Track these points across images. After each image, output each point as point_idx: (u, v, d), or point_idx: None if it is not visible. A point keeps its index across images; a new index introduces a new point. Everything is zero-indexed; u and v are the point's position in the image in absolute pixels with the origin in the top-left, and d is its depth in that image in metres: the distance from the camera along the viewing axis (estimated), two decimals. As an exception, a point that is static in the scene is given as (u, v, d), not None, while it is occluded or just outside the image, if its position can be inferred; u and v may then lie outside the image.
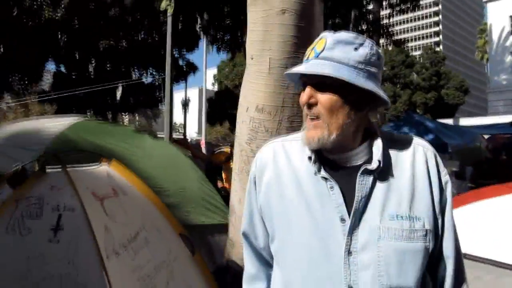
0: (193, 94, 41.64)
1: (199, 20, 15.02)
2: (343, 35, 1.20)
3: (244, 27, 3.36)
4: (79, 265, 2.40)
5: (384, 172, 1.21)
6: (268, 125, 3.22)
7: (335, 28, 16.85)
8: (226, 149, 15.10)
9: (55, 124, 5.84)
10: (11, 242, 2.50)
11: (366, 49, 1.19)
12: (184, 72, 22.72)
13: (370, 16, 17.75)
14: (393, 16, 20.29)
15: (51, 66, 20.96)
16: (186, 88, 29.99)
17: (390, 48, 47.70)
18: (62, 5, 13.30)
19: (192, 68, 23.46)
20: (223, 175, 8.89)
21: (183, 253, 3.00)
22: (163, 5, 4.81)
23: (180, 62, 22.17)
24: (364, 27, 17.67)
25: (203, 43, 23.05)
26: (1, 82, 16.36)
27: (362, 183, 1.19)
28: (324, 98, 1.17)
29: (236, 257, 3.32)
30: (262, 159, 1.33)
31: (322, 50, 1.18)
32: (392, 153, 1.24)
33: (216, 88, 38.36)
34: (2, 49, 13.22)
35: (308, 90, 1.19)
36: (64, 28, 14.67)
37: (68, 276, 2.36)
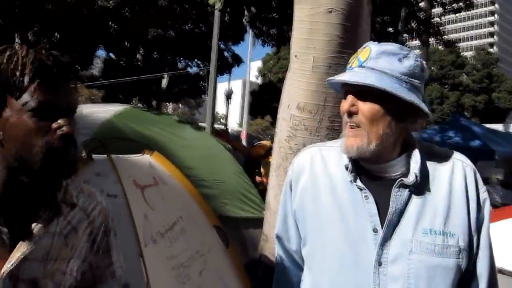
0: (236, 85, 41.95)
1: (246, 13, 15.10)
2: (388, 46, 1.20)
3: (290, 21, 3.37)
4: (119, 249, 2.49)
5: (420, 186, 1.20)
6: (308, 124, 3.23)
7: (383, 25, 16.50)
8: (266, 142, 15.11)
9: (102, 110, 6.06)
10: (57, 223, 2.63)
11: (410, 60, 1.19)
12: (228, 63, 22.91)
13: (421, 15, 17.24)
14: (444, 14, 19.64)
15: (101, 53, 21.67)
16: (230, 79, 30.26)
17: (440, 47, 46.23)
18: (115, -6, 13.76)
19: (237, 60, 23.61)
20: (262, 169, 8.93)
21: (217, 244, 3.07)
22: (211, 0, 4.87)
23: (226, 54, 22.37)
24: (414, 25, 17.20)
25: (248, 36, 23.17)
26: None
27: (397, 196, 1.19)
28: (366, 107, 1.17)
29: (268, 252, 3.36)
30: (299, 164, 1.36)
31: (366, 60, 1.19)
32: (430, 167, 1.24)
33: (259, 80, 38.47)
34: (56, 35, 13.77)
35: (349, 98, 1.20)
36: (115, 17, 15.11)
37: (107, 259, 2.47)
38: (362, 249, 1.18)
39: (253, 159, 10.32)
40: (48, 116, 1.00)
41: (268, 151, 8.39)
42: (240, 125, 37.84)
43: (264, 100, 30.73)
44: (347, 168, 1.23)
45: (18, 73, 0.98)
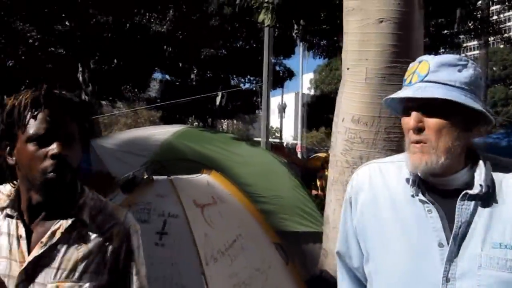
0: (289, 98, 42.01)
1: (295, 26, 15.17)
2: (445, 57, 1.18)
3: (340, 32, 3.35)
4: (181, 268, 2.56)
5: (486, 198, 1.15)
6: (364, 136, 3.18)
7: (439, 28, 15.97)
8: (322, 155, 14.97)
9: (161, 132, 6.28)
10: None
11: (470, 70, 1.16)
12: (281, 77, 23.04)
13: (478, 14, 16.56)
14: (503, 11, 18.73)
15: (157, 75, 22.51)
16: (282, 93, 30.37)
17: (501, 46, 44.05)
18: (168, 18, 14.26)
19: (289, 73, 23.72)
20: (318, 182, 8.85)
21: (277, 261, 3.07)
22: (260, 17, 4.97)
23: (278, 68, 22.53)
24: (471, 25, 16.54)
25: (299, 48, 23.21)
26: (115, 91, 17.93)
27: (462, 208, 1.14)
28: (433, 122, 1.14)
29: (329, 267, 3.32)
30: (358, 180, 1.34)
31: (427, 74, 1.16)
32: (496, 178, 1.18)
33: (312, 92, 38.36)
34: (115, 61, 14.47)
35: (415, 114, 1.16)
36: (169, 40, 15.68)
37: (171, 277, 2.54)
38: (428, 265, 1.14)
39: (310, 172, 10.26)
40: (45, 144, 1.19)
41: (324, 163, 8.32)
42: (295, 138, 37.76)
43: (318, 112, 30.53)
44: (408, 182, 1.20)
45: (21, 112, 1.19)
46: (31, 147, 1.18)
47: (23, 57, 15.86)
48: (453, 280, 1.12)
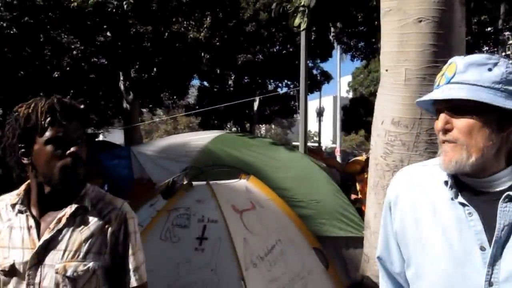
0: (327, 102, 41.68)
1: (332, 29, 15.06)
2: (474, 57, 1.16)
3: (378, 33, 3.29)
4: (220, 273, 2.58)
5: None
6: (404, 139, 3.11)
7: (482, 26, 15.45)
8: (361, 158, 14.73)
9: (200, 138, 6.36)
10: (165, 248, 2.79)
11: (501, 68, 1.14)
12: (318, 81, 22.87)
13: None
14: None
15: (195, 82, 22.85)
16: (320, 97, 30.14)
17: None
18: (205, 26, 14.45)
19: (326, 77, 23.50)
20: (358, 187, 8.70)
21: (317, 266, 3.04)
22: (296, 21, 4.93)
23: (314, 72, 22.38)
24: (516, 22, 15.91)
25: (337, 51, 22.99)
26: (155, 98, 18.32)
27: (504, 210, 1.11)
28: (461, 123, 1.13)
29: (370, 273, 3.25)
30: (397, 185, 1.33)
31: (454, 75, 1.15)
32: None
33: (350, 95, 37.91)
34: (155, 70, 14.80)
35: (443, 116, 1.16)
36: (206, 47, 15.89)
37: (210, 282, 2.55)
38: (469, 269, 1.11)
39: (349, 176, 10.12)
40: (61, 145, 1.39)
41: (363, 167, 8.18)
42: (334, 141, 37.40)
43: (357, 115, 30.11)
44: (447, 184, 1.18)
45: (39, 119, 1.38)
46: (49, 148, 1.38)
47: (67, 68, 16.49)
48: (496, 284, 1.09)
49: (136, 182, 5.71)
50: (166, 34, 13.52)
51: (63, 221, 1.41)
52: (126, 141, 14.04)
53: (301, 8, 5.38)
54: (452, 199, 1.17)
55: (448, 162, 1.15)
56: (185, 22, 14.33)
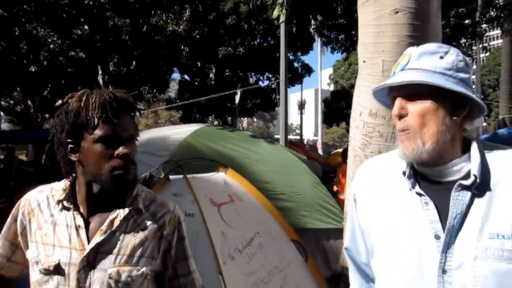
0: (309, 95, 41.79)
1: (312, 22, 15.06)
2: (427, 46, 1.20)
3: (357, 25, 3.30)
4: (199, 267, 2.54)
5: (483, 188, 1.13)
6: (382, 130, 3.12)
7: (459, 18, 15.61)
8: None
9: (179, 131, 6.30)
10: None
11: (452, 56, 1.18)
12: (299, 74, 22.92)
13: (500, 1, 16.11)
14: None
15: (176, 75, 22.66)
16: (302, 89, 30.23)
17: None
18: (184, 18, 14.32)
19: (307, 69, 23.56)
20: (339, 178, 8.77)
21: (296, 258, 3.03)
22: (275, 13, 4.91)
23: (296, 64, 22.41)
24: (493, 14, 16.11)
25: (317, 44, 23.06)
26: (135, 92, 18.11)
27: (457, 199, 1.13)
28: (416, 108, 1.16)
29: (351, 264, 3.27)
30: (361, 177, 1.35)
31: (408, 62, 1.20)
32: (495, 167, 1.16)
33: (332, 88, 38.05)
34: (134, 63, 14.63)
35: (398, 102, 1.19)
36: (186, 40, 15.77)
37: (189, 277, 2.52)
38: (426, 258, 1.14)
39: (331, 168, 10.15)
40: (112, 144, 1.29)
41: (344, 159, 8.23)
42: (316, 134, 37.57)
43: (338, 108, 30.29)
44: (405, 174, 1.21)
45: (90, 115, 1.28)
46: (98, 147, 1.28)
47: (45, 63, 16.18)
48: (449, 271, 1.11)
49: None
50: (145, 27, 13.36)
51: (116, 223, 1.33)
52: (106, 136, 13.85)
53: (280, 0, 5.36)
54: (410, 189, 1.20)
55: (405, 150, 1.17)
56: (164, 15, 14.17)
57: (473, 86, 1.25)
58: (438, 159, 1.16)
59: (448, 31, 14.12)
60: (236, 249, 2.63)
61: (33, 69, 17.12)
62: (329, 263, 4.80)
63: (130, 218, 1.36)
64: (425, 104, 1.15)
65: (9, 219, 1.41)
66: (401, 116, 1.18)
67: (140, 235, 1.35)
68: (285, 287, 2.78)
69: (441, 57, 1.17)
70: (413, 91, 1.16)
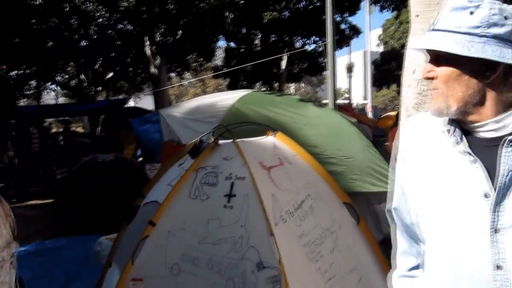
0: (357, 57, 40.62)
1: (360, -20, 14.47)
2: (458, 1, 1.11)
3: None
4: (250, 229, 2.58)
5: None
6: (437, 87, 2.98)
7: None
8: (394, 113, 14.39)
9: (227, 98, 6.33)
10: (194, 206, 2.82)
11: (483, 10, 1.08)
12: (346, 36, 22.24)
13: None
14: None
15: (222, 43, 22.63)
16: (350, 52, 29.44)
17: None
18: (229, -16, 14.18)
19: (355, 31, 22.78)
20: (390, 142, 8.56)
21: (347, 221, 3.01)
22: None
23: (343, 26, 21.73)
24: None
25: (366, 3, 22.18)
26: (182, 62, 18.29)
27: (506, 155, 1.08)
28: (441, 72, 1.14)
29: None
30: (407, 134, 1.32)
31: (437, 22, 1.14)
32: None
33: (381, 49, 36.78)
34: (180, 32, 14.69)
35: (426, 65, 1.17)
36: (230, 6, 15.62)
37: (241, 238, 2.57)
38: (476, 217, 1.09)
39: (382, 132, 9.92)
40: None
41: (397, 121, 8.00)
42: (365, 98, 36.74)
43: (388, 69, 29.32)
44: (449, 132, 1.17)
45: None
46: None
47: (94, 37, 16.58)
48: (502, 230, 1.06)
49: (165, 145, 5.78)
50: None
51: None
52: (156, 106, 14.14)
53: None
54: (454, 146, 1.16)
55: (432, 109, 1.17)
56: (208, -18, 14.08)
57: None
58: (473, 118, 1.13)
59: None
60: (288, 211, 2.63)
61: (84, 44, 17.63)
62: (381, 226, 4.74)
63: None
64: (449, 69, 1.12)
65: None
66: (429, 79, 1.17)
67: None
68: (337, 249, 2.78)
69: (471, 12, 1.09)
70: (438, 55, 1.12)
